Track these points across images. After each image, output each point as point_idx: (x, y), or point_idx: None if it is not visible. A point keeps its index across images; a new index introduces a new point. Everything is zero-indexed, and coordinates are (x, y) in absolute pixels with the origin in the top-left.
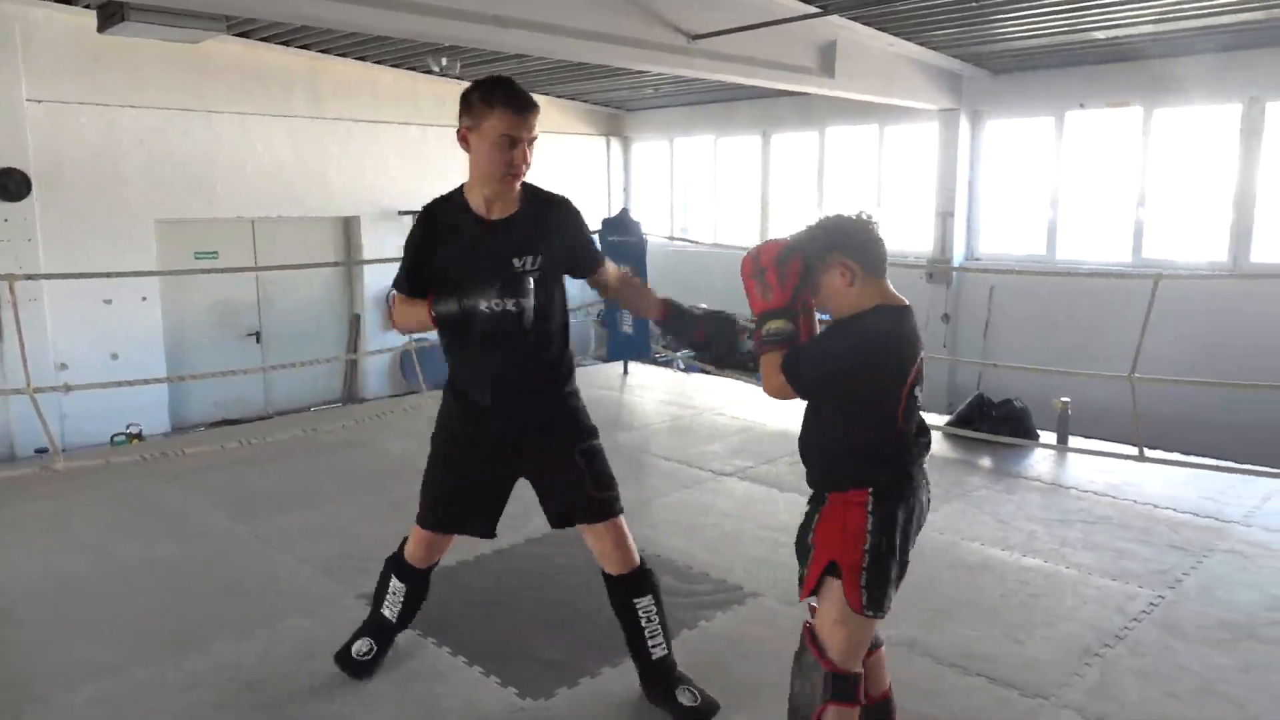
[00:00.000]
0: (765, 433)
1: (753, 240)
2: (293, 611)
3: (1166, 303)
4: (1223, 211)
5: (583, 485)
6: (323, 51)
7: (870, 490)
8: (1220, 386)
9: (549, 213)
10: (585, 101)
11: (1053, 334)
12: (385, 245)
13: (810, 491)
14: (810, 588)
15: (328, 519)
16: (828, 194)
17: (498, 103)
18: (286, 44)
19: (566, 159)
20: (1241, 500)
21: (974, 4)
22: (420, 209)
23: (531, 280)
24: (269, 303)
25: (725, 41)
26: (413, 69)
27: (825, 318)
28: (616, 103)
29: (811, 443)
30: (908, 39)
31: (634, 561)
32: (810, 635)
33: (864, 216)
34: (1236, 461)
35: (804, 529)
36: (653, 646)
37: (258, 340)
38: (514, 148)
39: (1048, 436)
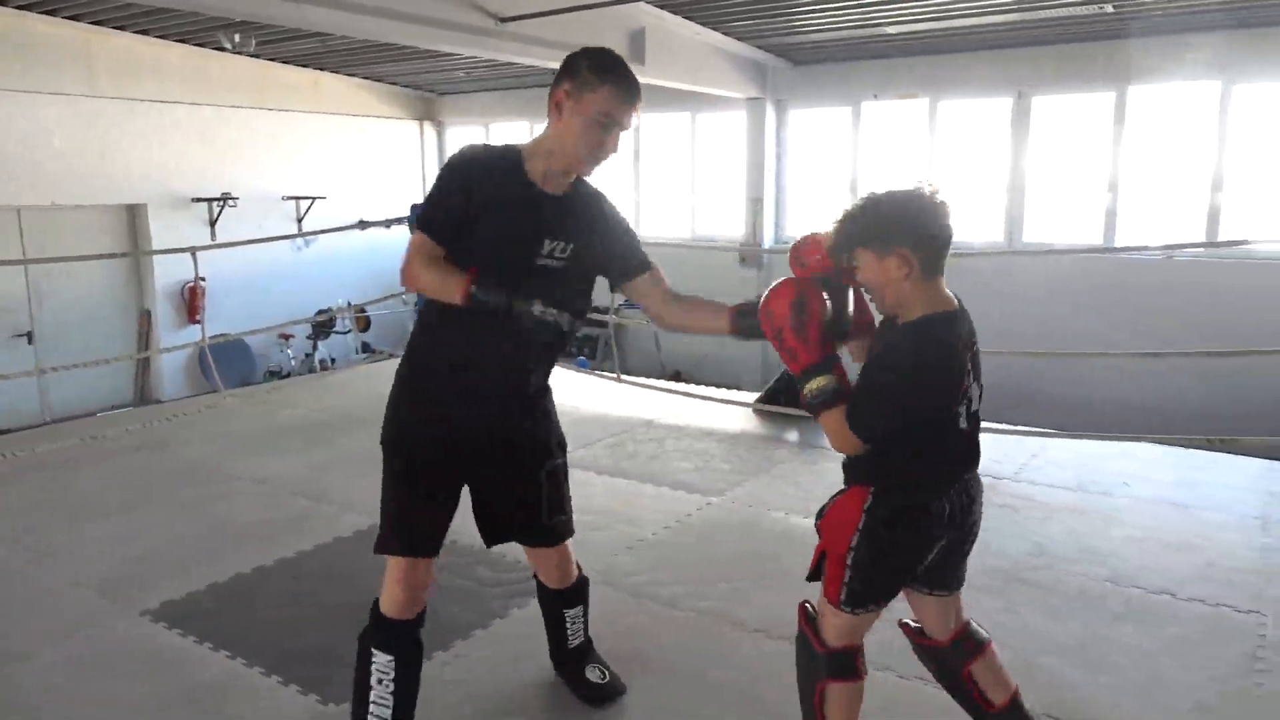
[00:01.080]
0: (583, 416)
1: None
2: (60, 635)
3: (951, 280)
4: (998, 196)
5: (536, 509)
6: (96, 23)
7: (872, 490)
8: (997, 355)
9: (592, 205)
10: (395, 84)
11: None
12: (178, 234)
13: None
14: (811, 568)
15: (109, 532)
16: (644, 180)
17: (609, 80)
18: (52, 13)
19: (377, 143)
20: (1013, 458)
21: None
22: (463, 149)
23: (575, 291)
24: (41, 299)
25: (535, 25)
26: (202, 45)
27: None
28: (428, 86)
29: None
30: (714, 28)
31: (572, 576)
32: (805, 616)
33: (936, 197)
34: (1010, 423)
35: (821, 510)
36: (571, 638)
37: (29, 341)
38: (608, 131)
39: None
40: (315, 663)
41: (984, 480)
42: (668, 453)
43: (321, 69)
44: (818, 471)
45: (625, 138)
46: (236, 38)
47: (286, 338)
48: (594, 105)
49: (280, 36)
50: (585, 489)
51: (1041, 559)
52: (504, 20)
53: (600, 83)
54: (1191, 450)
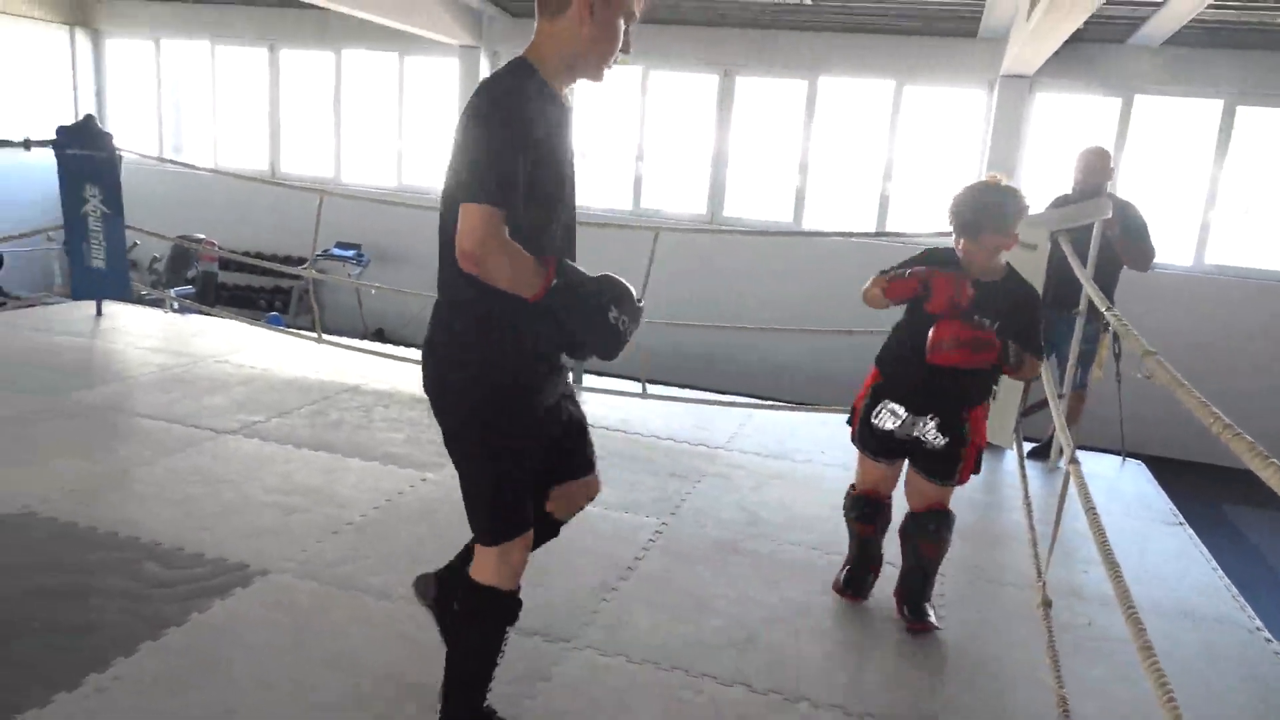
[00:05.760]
0: (278, 381)
1: (262, 165)
2: None
3: (661, 252)
4: (703, 171)
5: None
6: None
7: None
8: (703, 328)
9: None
10: None
11: None
12: None
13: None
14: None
15: None
16: (345, 119)
17: None
18: None
19: (11, 49)
20: (724, 427)
21: None
22: (501, 87)
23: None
24: None
25: None
26: None
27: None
28: None
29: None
30: None
31: None
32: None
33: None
34: (720, 392)
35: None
36: None
37: None
38: (628, 29)
39: None
40: None
41: (698, 449)
42: (375, 423)
43: None
44: None
45: (325, 72)
46: None
47: None
48: (628, 2)
49: None
50: (280, 465)
51: (756, 528)
52: None
53: None
54: None
